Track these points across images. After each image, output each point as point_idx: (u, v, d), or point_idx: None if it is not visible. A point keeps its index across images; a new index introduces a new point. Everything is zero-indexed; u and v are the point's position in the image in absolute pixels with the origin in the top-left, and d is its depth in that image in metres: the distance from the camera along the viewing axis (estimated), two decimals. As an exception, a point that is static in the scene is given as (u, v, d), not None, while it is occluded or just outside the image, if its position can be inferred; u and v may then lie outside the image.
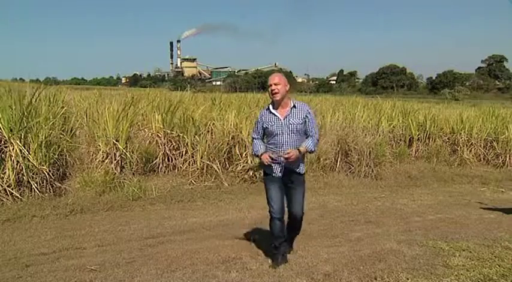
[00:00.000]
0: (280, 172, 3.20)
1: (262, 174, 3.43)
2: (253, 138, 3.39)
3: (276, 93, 3.11)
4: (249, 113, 6.99)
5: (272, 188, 3.25)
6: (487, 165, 8.22)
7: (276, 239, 3.28)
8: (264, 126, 3.25)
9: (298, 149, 3.10)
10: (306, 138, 3.22)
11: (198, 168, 5.96)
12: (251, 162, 6.11)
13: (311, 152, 3.22)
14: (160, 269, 3.16)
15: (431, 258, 3.43)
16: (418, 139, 8.54)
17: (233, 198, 5.37)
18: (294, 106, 3.20)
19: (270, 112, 3.21)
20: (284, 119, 3.15)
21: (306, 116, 3.18)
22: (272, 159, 3.13)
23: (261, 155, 3.19)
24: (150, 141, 6.43)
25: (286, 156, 3.03)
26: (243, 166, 6.18)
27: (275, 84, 3.12)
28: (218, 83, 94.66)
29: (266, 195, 3.28)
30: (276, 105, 3.19)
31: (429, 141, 8.54)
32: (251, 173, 6.09)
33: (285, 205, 3.29)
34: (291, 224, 3.38)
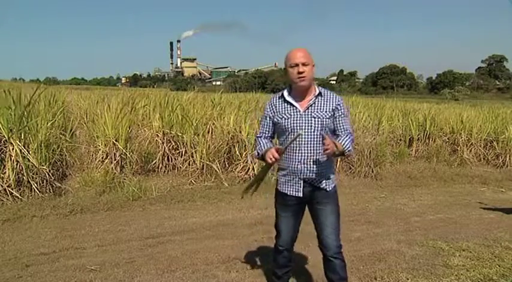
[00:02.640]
0: (299, 190, 2.29)
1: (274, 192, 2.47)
2: (256, 137, 2.49)
3: (303, 77, 2.20)
4: (249, 113, 6.98)
5: (283, 215, 2.42)
6: (487, 165, 8.22)
7: (280, 268, 2.54)
8: (275, 120, 2.34)
9: (334, 143, 2.12)
10: (336, 138, 2.27)
11: (197, 168, 5.95)
12: (250, 162, 6.09)
13: (348, 153, 2.23)
14: (160, 269, 3.16)
15: (431, 258, 3.43)
16: (418, 139, 8.54)
17: (233, 198, 5.37)
18: (320, 94, 2.29)
19: (285, 100, 2.31)
20: (305, 111, 2.25)
21: (335, 107, 2.27)
22: (280, 154, 2.19)
23: (265, 152, 2.25)
24: (150, 141, 6.44)
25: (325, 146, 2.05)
26: (243, 166, 6.18)
27: (303, 65, 2.20)
28: (218, 83, 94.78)
29: (275, 218, 2.48)
30: (296, 91, 2.30)
31: (429, 141, 8.55)
32: (251, 174, 6.09)
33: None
34: (328, 264, 2.35)
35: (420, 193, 6.06)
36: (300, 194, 2.29)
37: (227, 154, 6.42)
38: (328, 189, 2.29)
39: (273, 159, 2.18)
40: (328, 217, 2.31)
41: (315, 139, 2.23)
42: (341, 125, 2.29)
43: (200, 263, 3.29)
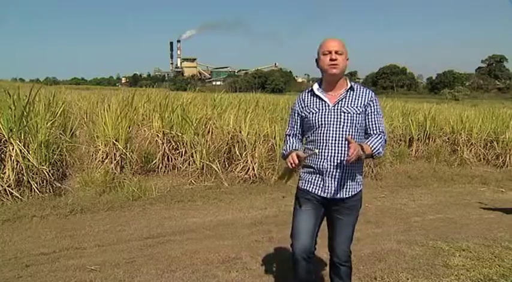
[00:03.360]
0: (322, 189, 2.14)
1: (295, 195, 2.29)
2: (285, 135, 2.36)
3: (335, 65, 2.08)
4: (249, 113, 6.99)
5: (300, 216, 2.22)
6: (487, 165, 8.22)
7: None
8: (303, 115, 2.21)
9: (361, 146, 1.98)
10: (366, 138, 2.13)
11: (197, 168, 5.95)
12: (250, 162, 6.09)
13: (377, 155, 2.08)
14: (160, 269, 3.16)
15: (431, 258, 3.43)
16: (418, 139, 8.53)
17: (233, 198, 5.37)
18: (352, 88, 2.16)
19: (314, 94, 2.19)
20: (334, 106, 2.12)
21: (368, 103, 2.13)
22: (299, 161, 2.04)
23: (288, 154, 2.11)
24: (150, 141, 6.44)
25: (350, 155, 1.89)
26: (243, 166, 6.18)
27: (336, 53, 2.08)
28: (218, 83, 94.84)
29: (293, 221, 2.26)
30: (327, 84, 2.17)
31: (429, 141, 8.55)
32: (251, 174, 6.09)
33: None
34: (334, 269, 2.29)
35: (420, 193, 6.06)
36: (325, 194, 2.13)
37: (227, 154, 6.42)
38: (352, 194, 2.14)
39: (293, 165, 2.05)
40: (344, 228, 2.20)
41: (344, 136, 2.07)
42: (373, 123, 2.14)
43: (200, 263, 3.29)
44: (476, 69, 79.29)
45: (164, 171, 6.15)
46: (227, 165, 6.33)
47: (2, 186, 4.68)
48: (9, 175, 4.75)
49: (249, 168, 6.13)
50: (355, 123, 2.11)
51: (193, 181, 5.83)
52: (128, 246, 3.65)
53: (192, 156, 6.07)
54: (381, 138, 2.09)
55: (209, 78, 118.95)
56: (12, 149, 4.81)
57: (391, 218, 4.71)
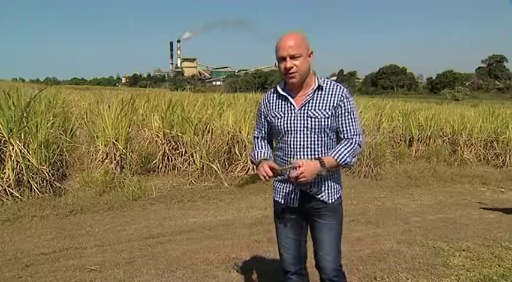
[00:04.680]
0: (294, 200, 1.96)
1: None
2: (253, 137, 2.14)
3: (292, 74, 1.83)
4: (248, 112, 6.99)
5: (282, 227, 2.04)
6: (487, 165, 8.22)
7: None
8: (269, 119, 1.99)
9: (319, 160, 1.80)
10: (339, 142, 1.92)
11: (197, 168, 5.95)
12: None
13: (345, 166, 1.87)
14: (160, 269, 3.16)
15: (431, 258, 3.43)
16: (418, 139, 8.54)
17: (233, 198, 5.37)
18: (320, 87, 1.90)
19: (279, 95, 1.96)
20: (300, 109, 1.89)
21: (338, 104, 1.86)
22: (274, 174, 1.86)
23: (258, 164, 1.92)
24: (149, 141, 6.44)
25: (294, 174, 1.75)
26: (243, 166, 6.18)
27: (292, 58, 1.80)
28: (218, 83, 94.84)
29: (276, 238, 2.10)
30: (291, 86, 1.92)
31: (429, 141, 8.55)
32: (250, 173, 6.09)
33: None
34: None
35: (420, 193, 6.06)
36: (295, 205, 1.95)
37: (227, 154, 6.42)
38: (328, 202, 1.95)
39: (267, 178, 1.83)
40: (326, 234, 1.97)
41: (313, 143, 1.88)
42: (344, 126, 1.88)
43: (200, 263, 3.29)
44: (476, 69, 79.30)
45: (164, 171, 6.16)
46: (227, 165, 6.33)
47: (2, 186, 4.68)
48: (9, 175, 4.75)
49: (249, 168, 6.13)
50: (324, 128, 1.87)
51: (193, 181, 5.83)
52: (128, 246, 3.66)
53: (192, 156, 6.07)
54: (350, 144, 1.85)
55: (209, 78, 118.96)
56: (12, 149, 4.81)
57: (391, 218, 4.71)
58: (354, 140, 1.86)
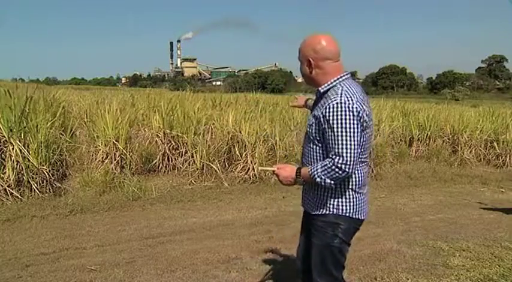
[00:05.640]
0: (303, 200, 1.97)
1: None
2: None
3: (303, 77, 1.92)
4: (249, 113, 6.99)
5: (301, 229, 2.10)
6: (487, 166, 8.22)
7: None
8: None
9: (298, 168, 1.80)
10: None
11: (197, 168, 5.95)
12: (250, 162, 6.09)
13: (314, 180, 1.72)
14: (160, 269, 3.16)
15: (431, 258, 3.43)
16: (418, 139, 8.53)
17: (233, 198, 5.37)
18: (324, 93, 1.79)
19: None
20: (310, 114, 1.88)
21: (323, 115, 1.69)
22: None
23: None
24: (150, 141, 6.44)
25: (276, 169, 1.85)
26: (243, 166, 6.17)
27: (301, 63, 1.87)
28: (218, 83, 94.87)
29: None
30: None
31: (429, 141, 8.54)
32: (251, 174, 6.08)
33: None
34: None
35: (420, 193, 6.06)
36: (303, 206, 1.97)
37: (227, 154, 6.42)
38: (311, 213, 1.86)
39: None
40: (312, 249, 1.89)
41: (306, 150, 1.83)
42: (328, 143, 1.70)
43: (200, 263, 3.29)
44: (476, 69, 79.33)
45: (164, 171, 6.16)
46: (227, 165, 6.33)
47: (2, 186, 4.68)
48: (9, 175, 4.75)
49: (249, 168, 6.13)
50: (310, 136, 1.79)
51: (193, 181, 5.83)
52: (127, 246, 3.65)
53: (192, 156, 6.07)
54: (327, 164, 1.66)
55: (209, 78, 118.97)
56: (12, 149, 4.81)
57: (391, 218, 4.71)
58: (334, 161, 1.64)
